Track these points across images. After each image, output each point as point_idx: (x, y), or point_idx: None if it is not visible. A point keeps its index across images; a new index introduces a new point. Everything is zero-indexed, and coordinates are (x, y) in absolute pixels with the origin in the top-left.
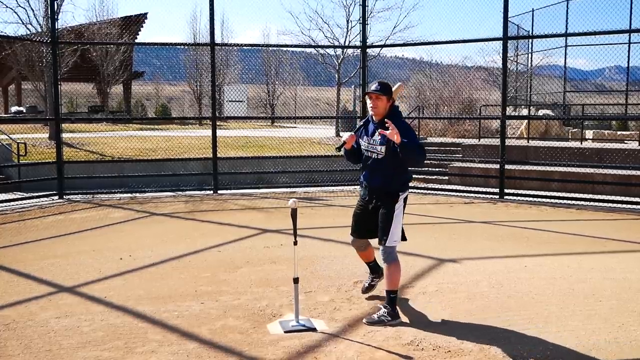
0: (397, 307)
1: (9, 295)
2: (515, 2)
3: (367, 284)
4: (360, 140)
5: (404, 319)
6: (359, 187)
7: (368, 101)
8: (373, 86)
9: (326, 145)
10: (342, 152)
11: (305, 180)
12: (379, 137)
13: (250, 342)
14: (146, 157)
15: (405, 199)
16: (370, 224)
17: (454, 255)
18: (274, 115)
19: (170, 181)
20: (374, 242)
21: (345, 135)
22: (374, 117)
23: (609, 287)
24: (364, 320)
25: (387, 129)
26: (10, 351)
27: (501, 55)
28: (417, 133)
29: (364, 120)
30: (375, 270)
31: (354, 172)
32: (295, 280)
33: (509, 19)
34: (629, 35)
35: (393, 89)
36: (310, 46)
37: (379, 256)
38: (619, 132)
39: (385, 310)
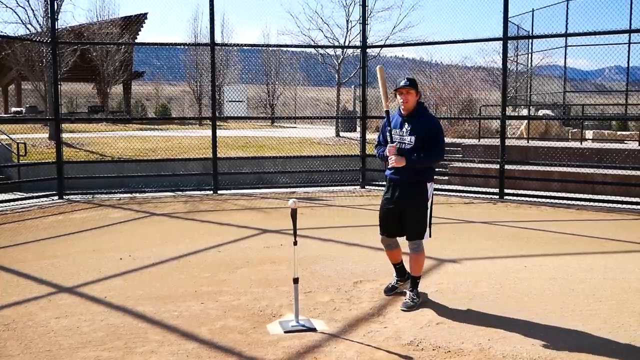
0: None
1: (9, 296)
2: (515, 2)
3: (391, 285)
4: (388, 135)
5: (404, 319)
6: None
7: (398, 97)
8: (402, 82)
9: (326, 146)
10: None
11: (305, 180)
12: (408, 127)
13: (250, 342)
14: (146, 157)
15: (432, 192)
16: (399, 222)
17: (454, 255)
18: (274, 115)
19: (170, 181)
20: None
21: (391, 154)
22: (403, 111)
23: (608, 287)
24: (402, 308)
25: (416, 122)
26: (10, 351)
27: (501, 55)
28: None
29: (388, 117)
30: (402, 274)
31: (354, 172)
32: (295, 281)
33: (509, 19)
34: (629, 35)
35: (378, 75)
36: (310, 46)
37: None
38: (619, 132)
39: (413, 293)
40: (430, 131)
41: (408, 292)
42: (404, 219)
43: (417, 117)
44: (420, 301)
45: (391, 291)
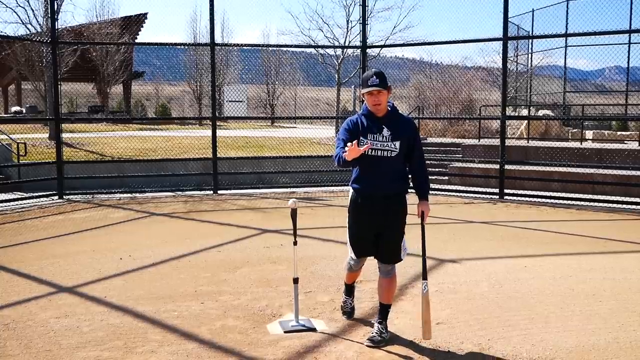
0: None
1: (8, 295)
2: (515, 2)
3: (351, 308)
4: (362, 140)
5: (404, 319)
6: (354, 199)
7: (368, 98)
8: (372, 79)
9: (326, 146)
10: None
11: (305, 180)
12: (388, 131)
13: (250, 342)
14: (146, 157)
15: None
16: (375, 244)
17: (454, 255)
18: (274, 116)
19: (170, 181)
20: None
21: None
22: (376, 114)
23: (609, 287)
24: (367, 344)
25: (395, 124)
26: (10, 351)
27: (501, 55)
28: None
29: (351, 122)
30: (353, 294)
31: None
32: (295, 281)
33: (509, 19)
34: (629, 35)
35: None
36: (310, 46)
37: None
38: (619, 133)
39: (382, 326)
40: (412, 132)
41: (376, 325)
42: (381, 239)
43: (393, 119)
44: (389, 336)
45: (352, 314)
